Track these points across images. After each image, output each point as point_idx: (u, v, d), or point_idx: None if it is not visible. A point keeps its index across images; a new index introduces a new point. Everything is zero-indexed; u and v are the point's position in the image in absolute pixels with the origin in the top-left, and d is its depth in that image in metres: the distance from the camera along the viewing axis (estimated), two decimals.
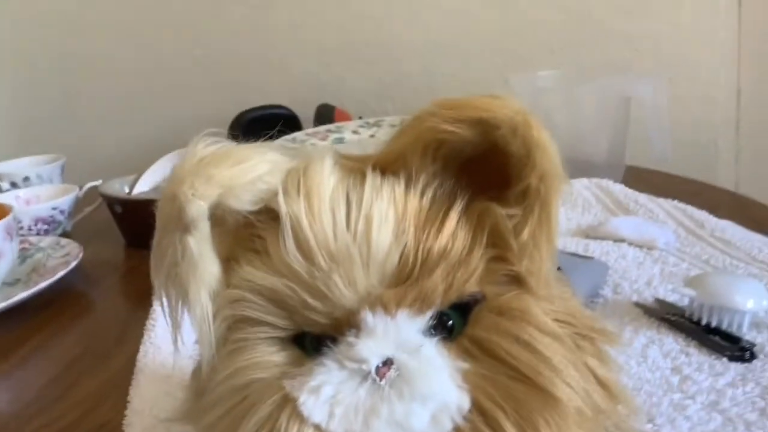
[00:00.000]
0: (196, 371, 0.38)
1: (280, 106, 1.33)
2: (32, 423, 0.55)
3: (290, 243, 0.31)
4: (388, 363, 0.30)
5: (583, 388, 0.32)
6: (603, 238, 0.76)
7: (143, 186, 0.99)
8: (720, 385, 0.47)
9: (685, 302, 0.57)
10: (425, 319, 0.31)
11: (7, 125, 1.67)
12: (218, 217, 0.32)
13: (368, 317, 0.31)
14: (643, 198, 0.85)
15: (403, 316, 0.31)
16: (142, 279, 0.83)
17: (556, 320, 0.33)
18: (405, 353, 0.31)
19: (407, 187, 0.33)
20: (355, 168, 0.34)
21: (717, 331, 0.54)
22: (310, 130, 1.14)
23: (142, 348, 0.60)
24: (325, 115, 1.23)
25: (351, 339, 0.31)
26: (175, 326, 0.33)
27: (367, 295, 0.31)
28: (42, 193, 1.00)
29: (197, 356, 0.38)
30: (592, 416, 0.32)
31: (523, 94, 0.96)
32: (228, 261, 0.33)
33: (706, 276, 0.56)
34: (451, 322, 0.32)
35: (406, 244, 0.32)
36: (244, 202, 0.31)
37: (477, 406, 0.30)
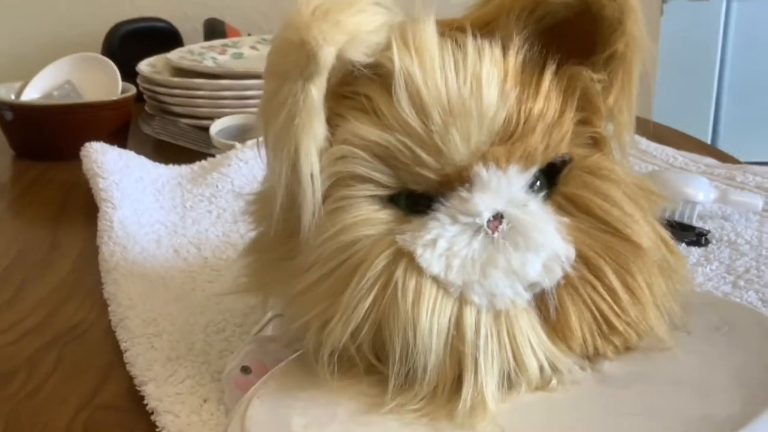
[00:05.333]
0: (259, 239, 0.37)
1: (159, 19, 1.25)
2: None
3: (404, 98, 0.31)
4: (497, 217, 0.31)
5: (655, 242, 0.34)
6: None
7: (32, 92, 0.91)
8: (689, 264, 0.52)
9: None
10: (530, 175, 0.33)
11: None
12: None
13: (482, 171, 0.31)
14: None
15: (513, 171, 0.32)
16: (45, 192, 0.78)
17: (632, 182, 0.35)
18: (514, 207, 0.32)
19: (504, 48, 0.33)
20: (443, 32, 0.34)
21: (669, 222, 0.59)
22: (205, 44, 1.09)
23: (105, 249, 0.56)
24: (216, 30, 1.17)
25: (464, 194, 0.31)
26: (280, 186, 0.31)
27: (476, 150, 0.32)
28: None
29: (258, 226, 0.37)
30: (665, 268, 0.35)
31: None
32: (329, 119, 0.32)
33: (660, 173, 0.61)
34: (538, 181, 0.34)
35: (509, 104, 0.32)
36: (360, 53, 0.30)
37: (581, 256, 0.32)
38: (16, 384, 0.44)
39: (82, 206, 0.70)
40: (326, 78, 0.30)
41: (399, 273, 0.30)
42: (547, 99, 0.33)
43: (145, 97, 0.94)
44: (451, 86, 0.31)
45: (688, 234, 0.56)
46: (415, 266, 0.31)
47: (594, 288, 0.32)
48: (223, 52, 1.07)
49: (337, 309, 0.31)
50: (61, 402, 0.42)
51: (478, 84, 0.32)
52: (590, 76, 0.34)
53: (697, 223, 0.59)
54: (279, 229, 0.34)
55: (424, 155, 0.31)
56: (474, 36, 0.33)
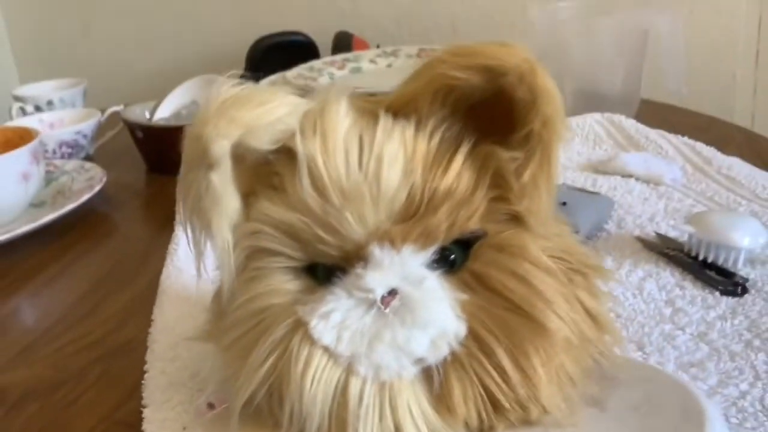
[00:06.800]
0: (217, 295, 0.41)
1: (298, 33, 1.33)
2: (60, 339, 0.59)
3: (305, 180, 0.34)
4: (392, 293, 0.33)
5: (572, 319, 0.34)
6: (612, 173, 0.78)
7: (164, 111, 1.01)
8: (710, 317, 0.50)
9: (685, 238, 0.59)
10: (428, 253, 0.34)
11: (29, 49, 1.68)
12: (239, 155, 0.34)
13: (376, 251, 0.33)
14: (653, 134, 0.86)
15: (408, 250, 0.34)
16: (165, 204, 0.87)
17: (551, 256, 0.35)
18: (409, 284, 0.33)
19: (417, 129, 0.35)
20: (368, 109, 0.36)
21: (713, 266, 0.56)
22: (327, 59, 1.15)
23: (165, 270, 0.63)
24: (343, 43, 1.23)
25: (359, 270, 0.34)
26: (199, 255, 0.35)
27: (375, 230, 0.34)
28: (65, 117, 1.02)
29: (218, 282, 0.41)
30: (580, 344, 0.35)
31: (543, 25, 0.96)
32: (247, 196, 0.35)
33: (706, 214, 0.58)
34: (453, 256, 0.35)
35: (413, 183, 0.34)
36: (263, 141, 0.34)
37: (473, 334, 0.33)
38: (62, 393, 0.51)
39: None
40: (228, 166, 0.33)
41: (295, 342, 0.33)
42: (457, 177, 0.34)
43: None
44: (351, 169, 0.34)
45: (726, 282, 0.53)
46: (309, 336, 0.33)
47: (481, 365, 0.33)
48: (342, 67, 1.12)
49: (243, 370, 0.34)
50: (88, 413, 0.48)
51: (378, 166, 0.34)
52: (504, 156, 0.35)
53: (744, 268, 0.55)
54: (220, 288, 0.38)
55: (323, 234, 0.34)
56: (391, 117, 0.35)
